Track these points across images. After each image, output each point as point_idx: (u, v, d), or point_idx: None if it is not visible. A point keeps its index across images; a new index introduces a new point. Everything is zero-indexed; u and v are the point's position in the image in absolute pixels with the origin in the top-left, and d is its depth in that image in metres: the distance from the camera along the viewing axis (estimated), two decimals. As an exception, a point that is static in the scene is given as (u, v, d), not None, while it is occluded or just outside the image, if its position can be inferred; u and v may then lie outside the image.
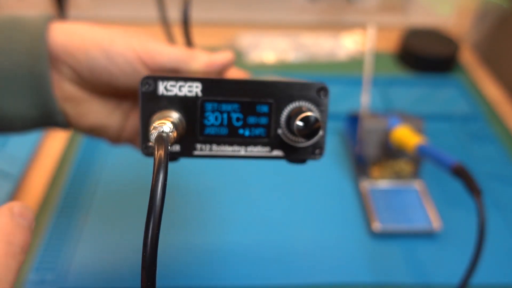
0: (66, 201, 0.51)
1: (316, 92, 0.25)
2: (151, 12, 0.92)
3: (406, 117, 0.53)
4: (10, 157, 0.56)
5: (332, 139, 0.62)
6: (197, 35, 0.65)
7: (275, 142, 0.26)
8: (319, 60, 0.79)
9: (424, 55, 0.75)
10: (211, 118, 0.26)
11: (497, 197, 0.54)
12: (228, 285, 0.44)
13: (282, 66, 0.77)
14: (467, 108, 0.69)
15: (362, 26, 0.89)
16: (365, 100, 0.55)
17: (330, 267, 0.46)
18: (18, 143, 0.58)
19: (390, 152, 0.51)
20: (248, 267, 0.46)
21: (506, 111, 0.69)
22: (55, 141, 0.60)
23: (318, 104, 0.26)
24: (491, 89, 0.75)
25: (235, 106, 0.25)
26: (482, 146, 0.62)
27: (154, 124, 0.23)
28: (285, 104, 0.26)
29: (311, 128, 0.24)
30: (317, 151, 0.27)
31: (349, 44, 0.82)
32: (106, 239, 0.48)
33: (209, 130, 0.26)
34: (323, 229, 0.50)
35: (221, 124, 0.26)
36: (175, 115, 0.25)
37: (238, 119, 0.26)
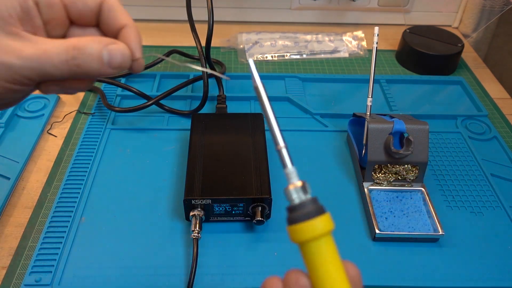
0: (62, 203, 0.51)
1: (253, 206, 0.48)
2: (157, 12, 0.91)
3: (411, 120, 0.52)
4: (7, 158, 0.55)
5: (335, 139, 0.61)
6: (198, 35, 0.65)
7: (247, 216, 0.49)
8: (319, 59, 0.78)
9: (426, 54, 0.74)
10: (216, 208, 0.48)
11: (501, 196, 0.54)
12: (231, 286, 0.44)
13: (282, 66, 0.76)
14: (469, 107, 0.68)
15: (363, 24, 0.88)
16: (370, 102, 0.54)
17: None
18: (15, 144, 0.58)
19: (394, 155, 0.51)
20: (250, 268, 0.45)
21: (509, 110, 0.69)
22: (53, 142, 0.59)
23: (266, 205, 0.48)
24: (493, 89, 0.74)
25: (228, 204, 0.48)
26: (484, 145, 0.61)
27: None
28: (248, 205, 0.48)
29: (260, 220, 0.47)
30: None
31: (350, 42, 0.82)
32: (102, 240, 0.47)
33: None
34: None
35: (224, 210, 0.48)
36: None
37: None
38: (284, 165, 0.26)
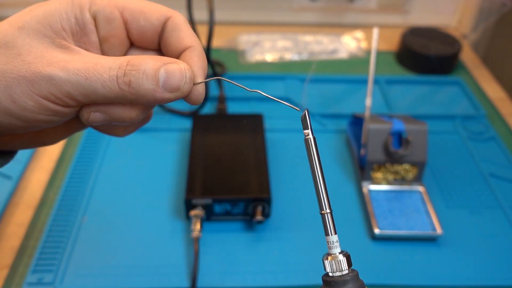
0: (64, 202, 0.51)
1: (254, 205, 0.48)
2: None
3: (410, 120, 0.52)
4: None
5: (335, 140, 0.61)
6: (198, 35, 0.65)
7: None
8: (319, 59, 0.79)
9: (425, 55, 0.75)
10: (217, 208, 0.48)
11: (499, 196, 0.54)
12: (231, 285, 0.45)
13: (282, 66, 0.77)
14: (468, 108, 0.69)
15: (362, 25, 0.89)
16: (369, 103, 0.54)
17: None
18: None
19: (393, 155, 0.51)
20: (251, 267, 0.46)
21: (507, 110, 0.69)
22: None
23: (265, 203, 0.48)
24: (492, 89, 0.75)
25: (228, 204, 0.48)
26: (483, 145, 0.62)
27: None
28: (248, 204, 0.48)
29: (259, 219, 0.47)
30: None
31: (349, 43, 0.82)
32: (104, 239, 0.48)
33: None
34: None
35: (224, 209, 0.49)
36: None
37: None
38: (326, 232, 0.24)
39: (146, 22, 0.27)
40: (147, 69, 0.24)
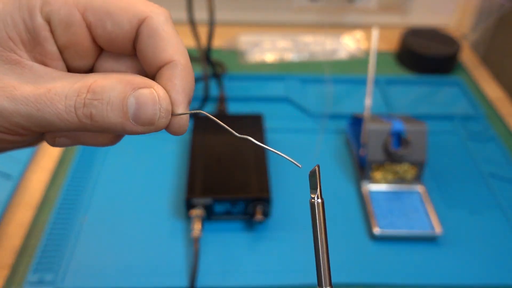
0: (65, 202, 0.51)
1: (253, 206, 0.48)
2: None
3: (409, 120, 0.53)
4: (10, 157, 0.56)
5: (334, 140, 0.62)
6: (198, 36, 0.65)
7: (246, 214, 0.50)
8: (319, 59, 0.79)
9: (424, 55, 0.75)
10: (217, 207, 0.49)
11: (498, 196, 0.54)
12: (231, 285, 0.45)
13: (282, 66, 0.77)
14: (467, 108, 0.69)
15: (362, 26, 0.89)
16: (368, 103, 0.55)
17: (331, 268, 0.46)
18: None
19: (393, 155, 0.51)
20: (251, 266, 0.46)
21: (506, 110, 0.70)
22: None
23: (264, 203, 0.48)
24: (491, 89, 0.75)
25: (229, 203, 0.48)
26: (482, 145, 0.62)
27: None
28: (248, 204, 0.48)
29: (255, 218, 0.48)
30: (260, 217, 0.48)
31: (349, 43, 0.82)
32: (105, 239, 0.48)
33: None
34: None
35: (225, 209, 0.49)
36: None
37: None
38: None
39: (114, 26, 0.21)
40: (112, 97, 0.20)
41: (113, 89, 0.20)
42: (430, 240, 0.49)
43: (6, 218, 0.50)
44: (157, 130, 0.21)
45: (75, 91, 0.20)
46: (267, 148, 0.22)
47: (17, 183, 0.53)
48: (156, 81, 0.21)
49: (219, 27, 0.83)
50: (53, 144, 0.23)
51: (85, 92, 0.20)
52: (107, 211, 0.51)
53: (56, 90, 0.20)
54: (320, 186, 0.20)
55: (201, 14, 0.67)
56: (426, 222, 0.50)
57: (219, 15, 0.82)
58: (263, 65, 0.77)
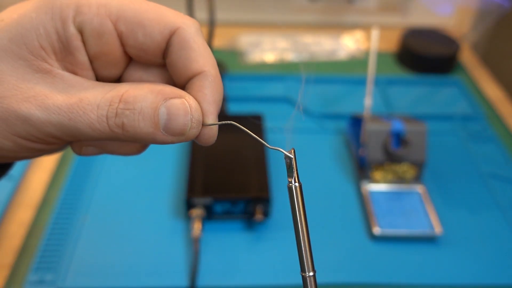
0: (65, 202, 0.51)
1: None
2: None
3: (409, 120, 0.53)
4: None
5: (334, 140, 0.62)
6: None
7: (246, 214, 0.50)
8: (319, 60, 0.79)
9: (424, 55, 0.75)
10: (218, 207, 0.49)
11: (498, 196, 0.55)
12: (231, 284, 0.45)
13: (282, 67, 0.77)
14: (467, 108, 0.69)
15: (362, 26, 0.89)
16: (368, 103, 0.55)
17: (330, 268, 0.46)
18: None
19: (393, 155, 0.51)
20: (251, 266, 0.46)
21: (506, 111, 0.70)
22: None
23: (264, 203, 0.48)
24: (491, 89, 0.75)
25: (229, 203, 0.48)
26: (482, 146, 0.62)
27: None
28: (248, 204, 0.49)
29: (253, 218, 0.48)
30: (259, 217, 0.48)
31: (349, 44, 0.82)
32: (105, 239, 0.48)
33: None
34: (323, 230, 0.50)
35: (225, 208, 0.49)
36: None
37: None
38: None
39: (146, 37, 0.21)
40: (144, 107, 0.20)
41: (145, 99, 0.20)
42: (430, 240, 0.49)
43: (7, 218, 0.50)
44: (188, 140, 0.21)
45: (107, 100, 0.20)
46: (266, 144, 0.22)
47: (18, 183, 0.53)
48: (186, 92, 0.21)
49: (219, 27, 0.83)
50: (80, 153, 0.23)
51: (117, 101, 0.20)
52: (107, 211, 0.51)
53: (89, 100, 0.20)
54: (296, 170, 0.20)
55: (201, 14, 0.67)
56: (426, 222, 0.50)
57: (219, 15, 0.82)
58: (263, 65, 0.77)
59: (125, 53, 0.22)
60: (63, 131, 0.20)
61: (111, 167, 0.56)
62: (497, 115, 0.69)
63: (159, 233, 0.49)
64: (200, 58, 0.21)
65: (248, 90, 0.69)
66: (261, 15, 0.88)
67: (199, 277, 0.45)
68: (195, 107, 0.21)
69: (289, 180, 0.20)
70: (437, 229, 0.49)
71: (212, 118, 0.22)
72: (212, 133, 0.22)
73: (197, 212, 0.47)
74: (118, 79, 0.23)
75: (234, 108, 0.66)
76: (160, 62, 0.23)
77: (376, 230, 0.49)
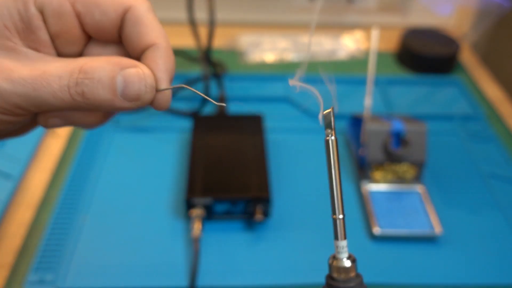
0: (65, 202, 0.51)
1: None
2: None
3: (409, 120, 0.53)
4: (10, 157, 0.56)
5: (334, 141, 0.62)
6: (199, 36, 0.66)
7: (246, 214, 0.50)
8: (319, 60, 0.79)
9: (424, 55, 0.75)
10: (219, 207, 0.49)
11: (498, 196, 0.55)
12: (231, 284, 0.45)
13: (282, 67, 0.77)
14: (467, 108, 0.69)
15: (362, 26, 0.89)
16: (368, 103, 0.55)
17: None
18: (18, 143, 0.58)
19: (393, 155, 0.51)
20: (251, 266, 0.46)
21: (506, 111, 0.70)
22: (55, 141, 0.60)
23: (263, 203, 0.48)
24: (491, 89, 0.75)
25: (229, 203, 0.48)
26: (482, 146, 0.62)
27: None
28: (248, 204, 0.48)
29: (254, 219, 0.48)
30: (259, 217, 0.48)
31: (349, 44, 0.82)
32: (105, 239, 0.48)
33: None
34: (323, 230, 0.49)
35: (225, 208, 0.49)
36: None
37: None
38: (336, 236, 0.24)
39: (102, 15, 0.23)
40: (102, 76, 0.22)
41: (103, 69, 0.22)
42: (429, 240, 0.49)
43: (6, 218, 0.50)
44: (143, 105, 0.24)
45: (68, 72, 0.22)
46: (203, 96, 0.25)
47: (17, 183, 0.53)
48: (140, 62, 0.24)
49: (219, 27, 0.83)
50: (46, 125, 0.25)
51: (77, 72, 0.22)
52: (107, 211, 0.51)
53: (51, 72, 0.22)
54: (334, 126, 0.23)
55: (201, 14, 0.67)
56: (426, 222, 0.50)
57: (219, 15, 0.82)
58: (263, 65, 0.77)
59: (84, 31, 0.25)
60: (29, 102, 0.22)
61: (111, 167, 0.56)
62: (497, 115, 0.69)
63: (159, 233, 0.49)
64: (151, 32, 0.24)
65: (248, 90, 0.69)
66: (261, 15, 0.88)
67: (199, 277, 0.45)
68: (148, 74, 0.23)
69: (327, 133, 0.23)
70: (437, 229, 0.49)
71: (164, 84, 0.24)
72: (166, 98, 0.24)
73: (197, 212, 0.47)
74: (79, 56, 0.26)
75: (234, 108, 0.66)
76: (116, 38, 0.25)
77: (376, 230, 0.49)
